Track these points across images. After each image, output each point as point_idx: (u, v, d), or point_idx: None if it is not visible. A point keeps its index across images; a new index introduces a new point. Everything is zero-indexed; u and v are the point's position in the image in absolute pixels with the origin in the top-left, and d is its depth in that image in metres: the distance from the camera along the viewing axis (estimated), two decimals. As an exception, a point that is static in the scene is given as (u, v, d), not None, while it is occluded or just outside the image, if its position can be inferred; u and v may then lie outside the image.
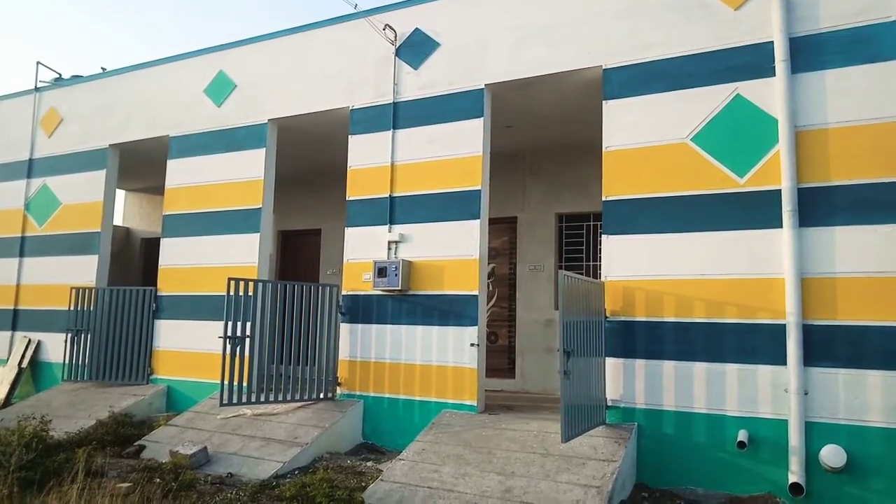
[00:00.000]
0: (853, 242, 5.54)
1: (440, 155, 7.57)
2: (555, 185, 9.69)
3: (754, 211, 5.92)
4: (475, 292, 7.16)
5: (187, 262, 9.21)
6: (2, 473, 5.34)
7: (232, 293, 6.99)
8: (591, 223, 9.45)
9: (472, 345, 7.06)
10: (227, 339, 6.88)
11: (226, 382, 6.84)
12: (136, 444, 7.15)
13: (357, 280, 7.85)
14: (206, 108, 9.44)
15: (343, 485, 5.60)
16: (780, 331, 5.66)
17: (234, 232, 8.84)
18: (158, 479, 5.73)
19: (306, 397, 7.51)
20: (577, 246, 9.61)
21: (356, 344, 7.76)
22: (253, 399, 7.19)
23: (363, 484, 5.80)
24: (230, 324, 6.93)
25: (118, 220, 13.85)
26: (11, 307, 10.75)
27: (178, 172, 9.55)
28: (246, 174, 8.89)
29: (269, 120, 8.87)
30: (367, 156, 8.04)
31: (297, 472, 6.32)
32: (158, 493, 5.29)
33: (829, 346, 5.52)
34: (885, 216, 5.45)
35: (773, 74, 5.94)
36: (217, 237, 8.97)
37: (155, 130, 9.91)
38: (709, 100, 6.25)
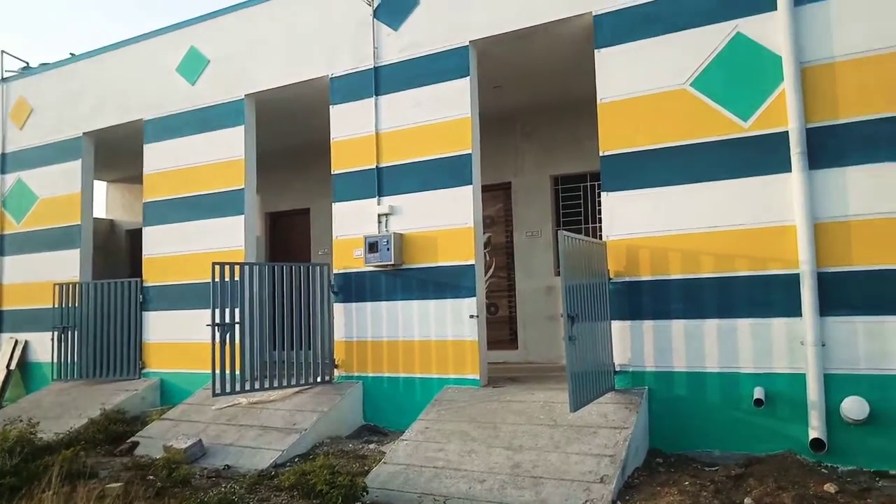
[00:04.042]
0: (867, 182, 5.22)
1: (427, 119, 7.20)
2: (549, 146, 9.31)
3: (761, 156, 5.58)
4: (471, 262, 6.85)
5: (171, 251, 8.87)
6: (-17, 482, 5.07)
7: (217, 278, 6.69)
8: (588, 184, 9.09)
9: (472, 316, 6.76)
10: (216, 327, 6.60)
11: (217, 372, 6.59)
12: (128, 441, 6.87)
13: (348, 257, 7.53)
14: (180, 87, 9.03)
15: (345, 470, 5.34)
16: (793, 281, 5.36)
17: (218, 215, 8.48)
18: (151, 477, 5.47)
19: (303, 382, 7.24)
20: (575, 209, 9.27)
21: (351, 324, 7.46)
22: (247, 387, 6.92)
23: (366, 468, 5.55)
24: (217, 310, 6.65)
25: (101, 213, 13.48)
26: (-4, 308, 10.44)
27: (156, 157, 9.17)
28: (226, 154, 8.51)
29: (245, 95, 8.46)
30: (350, 126, 7.66)
31: (296, 459, 6.06)
32: (151, 492, 5.02)
33: (845, 294, 5.23)
34: (901, 152, 5.12)
35: (775, 8, 5.55)
36: (200, 222, 8.62)
37: (128, 115, 9.50)
38: (707, 40, 5.87)
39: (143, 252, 9.17)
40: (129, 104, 9.53)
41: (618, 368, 5.97)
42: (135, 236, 12.76)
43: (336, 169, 7.73)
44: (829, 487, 4.46)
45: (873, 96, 5.24)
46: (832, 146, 5.34)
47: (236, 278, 6.89)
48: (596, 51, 6.37)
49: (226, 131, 8.55)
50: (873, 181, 5.20)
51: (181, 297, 8.67)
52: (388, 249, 7.10)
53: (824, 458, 5.12)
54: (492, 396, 6.35)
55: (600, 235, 6.48)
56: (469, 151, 6.94)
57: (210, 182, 8.62)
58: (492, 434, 5.59)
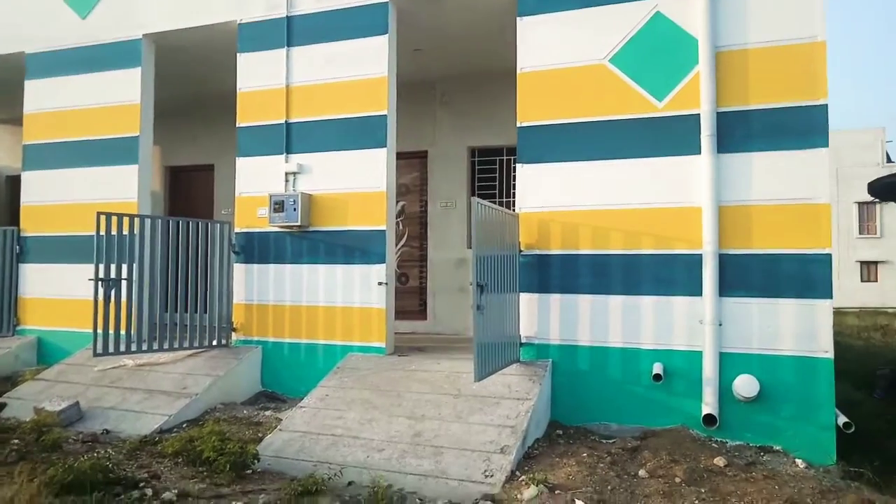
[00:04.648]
0: (769, 169, 5.37)
1: (342, 76, 6.86)
2: (467, 116, 9.15)
3: (673, 137, 5.64)
4: (382, 227, 6.63)
5: (54, 199, 8.12)
6: None
7: (103, 231, 6.15)
8: (505, 157, 9.02)
9: (380, 283, 6.56)
10: (99, 282, 6.07)
11: (99, 331, 6.06)
12: (-6, 402, 6.27)
13: (251, 216, 7.12)
14: (69, 20, 8.18)
15: (236, 437, 5.07)
16: (696, 261, 5.48)
17: (108, 163, 7.80)
18: (16, 441, 4.98)
19: (197, 345, 6.82)
20: (491, 181, 9.19)
21: (252, 286, 7.09)
22: (134, 348, 6.43)
23: (260, 435, 5.28)
24: (102, 265, 6.12)
25: (-24, 156, 12.23)
26: None
27: (39, 95, 8.32)
28: (119, 98, 7.81)
29: (143, 35, 7.77)
30: (258, 76, 7.20)
31: (185, 425, 5.70)
32: (13, 457, 4.56)
33: (743, 276, 5.39)
34: (801, 141, 5.30)
35: (695, -10, 5.60)
36: (88, 169, 7.90)
37: (7, 46, 8.54)
38: (628, 18, 5.85)
39: (22, 199, 8.35)
40: (8, 34, 8.56)
41: (524, 340, 5.95)
42: (16, 183, 11.65)
43: (242, 122, 7.27)
44: (719, 461, 4.61)
45: (780, 85, 5.38)
46: (740, 131, 5.46)
47: (125, 232, 6.36)
48: (518, 19, 6.23)
49: (120, 72, 7.84)
50: (775, 168, 5.36)
51: (64, 250, 7.96)
52: (294, 210, 6.76)
53: (715, 434, 5.29)
54: (396, 365, 6.20)
55: (514, 209, 6.40)
56: (385, 113, 6.68)
57: (100, 127, 7.90)
58: (394, 403, 5.45)
